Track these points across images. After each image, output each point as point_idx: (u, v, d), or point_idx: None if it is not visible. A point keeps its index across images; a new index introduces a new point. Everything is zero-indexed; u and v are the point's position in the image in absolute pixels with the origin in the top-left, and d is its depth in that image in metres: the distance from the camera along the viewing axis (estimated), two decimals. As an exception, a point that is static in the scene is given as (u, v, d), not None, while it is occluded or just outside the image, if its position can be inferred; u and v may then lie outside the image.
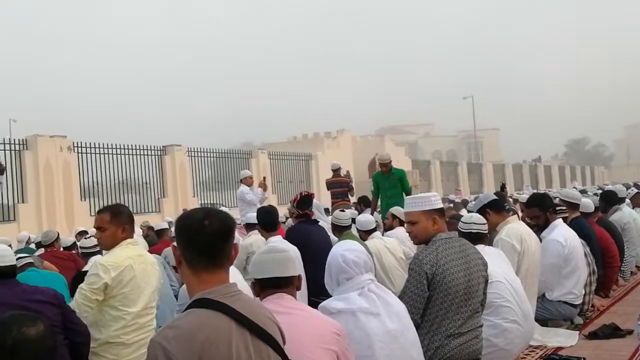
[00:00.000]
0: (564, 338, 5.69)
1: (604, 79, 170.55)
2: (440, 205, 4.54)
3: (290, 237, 6.75)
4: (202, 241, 2.32)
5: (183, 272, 2.40)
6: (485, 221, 5.43)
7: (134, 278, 4.68)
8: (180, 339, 2.16)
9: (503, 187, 14.96)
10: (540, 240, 6.25)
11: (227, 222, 2.37)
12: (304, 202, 7.29)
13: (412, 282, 4.25)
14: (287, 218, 11.28)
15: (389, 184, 11.42)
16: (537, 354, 5.34)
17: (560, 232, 6.36)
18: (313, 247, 6.44)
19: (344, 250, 3.71)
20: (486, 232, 5.39)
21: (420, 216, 4.48)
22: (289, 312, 2.86)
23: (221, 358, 2.17)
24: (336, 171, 14.33)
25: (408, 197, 4.89)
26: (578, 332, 5.88)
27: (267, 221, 6.73)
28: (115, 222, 4.77)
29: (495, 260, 4.89)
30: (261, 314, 2.38)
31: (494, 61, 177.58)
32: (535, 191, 26.08)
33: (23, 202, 17.02)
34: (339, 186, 14.00)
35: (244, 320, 2.27)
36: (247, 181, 12.41)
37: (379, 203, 11.92)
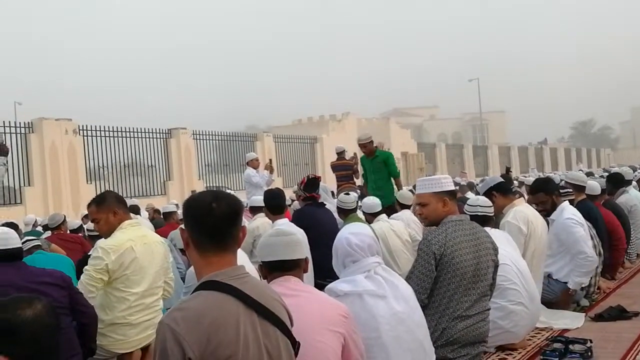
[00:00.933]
0: (570, 320, 5.69)
1: (611, 61, 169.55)
2: (451, 188, 4.56)
3: (296, 219, 6.75)
4: (209, 224, 2.33)
5: (191, 255, 2.41)
6: (491, 204, 5.43)
7: (135, 260, 4.71)
8: (188, 320, 2.17)
9: (508, 170, 14.94)
10: (548, 223, 6.24)
11: (235, 205, 2.37)
12: (310, 185, 7.29)
13: (420, 262, 4.26)
14: (292, 201, 11.28)
15: (374, 167, 10.60)
16: (543, 335, 5.34)
17: (571, 212, 6.39)
18: (320, 229, 6.44)
19: (349, 233, 3.72)
20: (492, 214, 5.40)
21: (430, 198, 4.50)
22: (296, 295, 2.87)
23: (229, 340, 2.18)
24: (340, 154, 14.30)
25: (419, 179, 4.83)
26: (584, 314, 5.88)
27: (274, 204, 6.73)
28: (102, 210, 4.82)
29: (501, 242, 4.90)
30: (269, 297, 2.39)
31: (500, 43, 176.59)
32: (540, 174, 26.03)
33: (29, 185, 17.05)
34: (344, 169, 13.99)
35: (251, 302, 2.28)
36: (253, 163, 12.40)
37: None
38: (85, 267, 4.70)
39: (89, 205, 4.97)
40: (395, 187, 10.37)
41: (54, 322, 2.05)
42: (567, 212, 6.37)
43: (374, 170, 10.54)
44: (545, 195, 6.45)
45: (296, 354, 2.44)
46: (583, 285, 6.29)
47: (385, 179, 10.44)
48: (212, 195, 2.38)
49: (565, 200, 6.67)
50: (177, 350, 2.14)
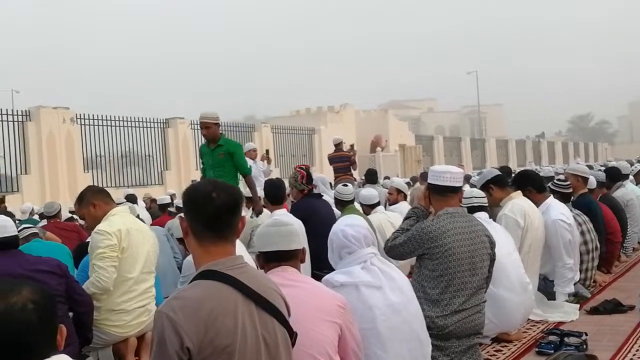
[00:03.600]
0: (565, 313, 5.71)
1: (608, 55, 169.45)
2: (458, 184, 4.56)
3: (295, 211, 6.74)
4: (209, 214, 2.33)
5: (189, 243, 2.42)
6: (484, 195, 5.50)
7: (130, 244, 4.78)
8: (186, 309, 2.18)
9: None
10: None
11: (235, 195, 2.38)
12: (309, 177, 7.21)
13: (410, 242, 4.31)
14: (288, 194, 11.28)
15: (214, 159, 7.63)
16: (538, 328, 5.36)
17: (560, 210, 6.21)
18: (317, 220, 6.43)
19: (344, 225, 3.73)
20: (486, 205, 5.44)
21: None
22: (293, 285, 2.87)
23: (227, 329, 2.19)
24: (338, 145, 14.32)
25: (433, 168, 4.66)
26: (579, 307, 5.89)
27: (274, 195, 6.70)
28: (82, 206, 4.94)
29: (497, 233, 4.90)
30: (267, 287, 2.39)
31: (498, 37, 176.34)
32: (537, 168, 26.02)
33: (26, 173, 17.02)
34: (341, 160, 14.01)
35: (249, 292, 2.29)
36: (251, 154, 12.41)
37: None
38: (93, 261, 4.69)
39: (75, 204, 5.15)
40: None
41: (30, 315, 1.88)
42: (556, 210, 6.18)
43: (215, 165, 7.63)
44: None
45: (293, 344, 2.45)
46: (579, 279, 6.29)
47: (229, 176, 7.47)
48: (212, 184, 2.39)
49: (549, 196, 6.45)
50: (174, 339, 2.14)
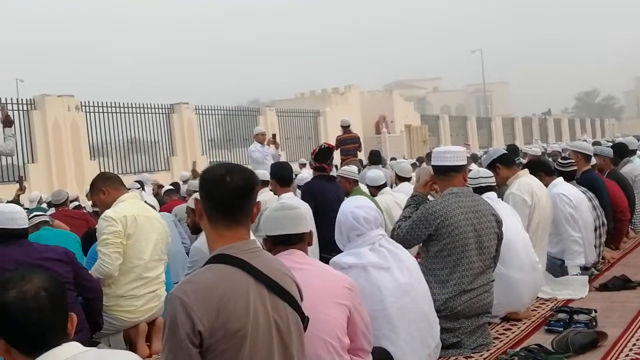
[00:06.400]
0: (574, 290, 5.70)
1: (613, 30, 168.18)
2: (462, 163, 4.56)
3: (306, 192, 6.72)
4: (221, 197, 2.33)
5: (204, 226, 2.41)
6: (491, 174, 5.49)
7: (137, 230, 4.80)
8: (198, 293, 2.18)
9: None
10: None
11: (249, 179, 2.37)
12: (322, 154, 7.10)
13: (416, 225, 4.30)
14: (295, 175, 11.28)
15: None
16: (547, 306, 5.36)
17: (563, 187, 6.30)
18: (326, 203, 6.40)
19: (354, 207, 3.72)
20: (494, 184, 5.42)
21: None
22: (301, 268, 2.87)
23: (239, 313, 2.19)
24: (347, 127, 14.25)
25: (436, 151, 4.80)
26: (588, 284, 5.88)
27: (283, 176, 6.69)
28: (94, 193, 5.04)
29: (505, 213, 4.90)
30: (280, 272, 2.39)
31: (503, 14, 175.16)
32: (544, 145, 25.92)
33: (33, 162, 17.06)
34: (352, 142, 13.94)
35: (262, 276, 2.29)
36: (258, 138, 12.39)
37: None
38: (98, 248, 4.72)
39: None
40: None
41: (43, 303, 1.90)
42: (559, 187, 6.26)
43: None
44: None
45: (305, 329, 2.45)
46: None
47: None
48: (226, 168, 2.38)
49: (559, 177, 6.52)
50: (186, 322, 2.15)
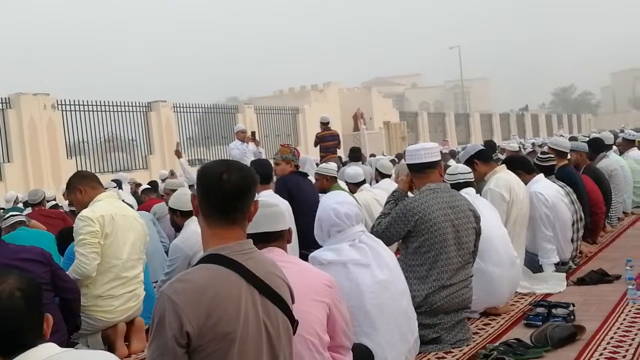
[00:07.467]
0: (552, 285, 5.75)
1: (589, 27, 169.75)
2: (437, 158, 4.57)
3: (282, 186, 6.69)
4: (217, 195, 2.28)
5: (199, 223, 2.36)
6: (470, 170, 5.48)
7: (114, 229, 4.76)
8: (189, 293, 2.14)
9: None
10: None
11: (247, 178, 2.31)
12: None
13: (395, 222, 4.31)
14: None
15: None
16: (526, 300, 5.39)
17: (542, 184, 6.32)
18: (304, 199, 6.41)
19: (335, 203, 3.70)
20: (473, 180, 5.44)
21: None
22: (281, 266, 2.85)
23: (229, 317, 2.15)
24: (326, 124, 14.27)
25: (410, 149, 4.81)
26: (566, 278, 5.93)
27: (264, 173, 6.66)
28: (70, 192, 5.00)
29: (483, 209, 4.93)
30: (272, 274, 2.35)
31: (482, 11, 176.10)
32: (521, 141, 26.11)
33: (8, 161, 16.87)
34: (331, 139, 13.98)
35: (254, 279, 2.24)
36: (239, 135, 12.35)
37: None
38: (76, 248, 4.67)
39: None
40: None
41: (18, 303, 1.89)
42: (538, 184, 6.31)
43: None
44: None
45: (294, 332, 2.41)
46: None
47: None
48: (225, 165, 2.31)
49: (539, 174, 6.56)
50: (175, 322, 2.10)
